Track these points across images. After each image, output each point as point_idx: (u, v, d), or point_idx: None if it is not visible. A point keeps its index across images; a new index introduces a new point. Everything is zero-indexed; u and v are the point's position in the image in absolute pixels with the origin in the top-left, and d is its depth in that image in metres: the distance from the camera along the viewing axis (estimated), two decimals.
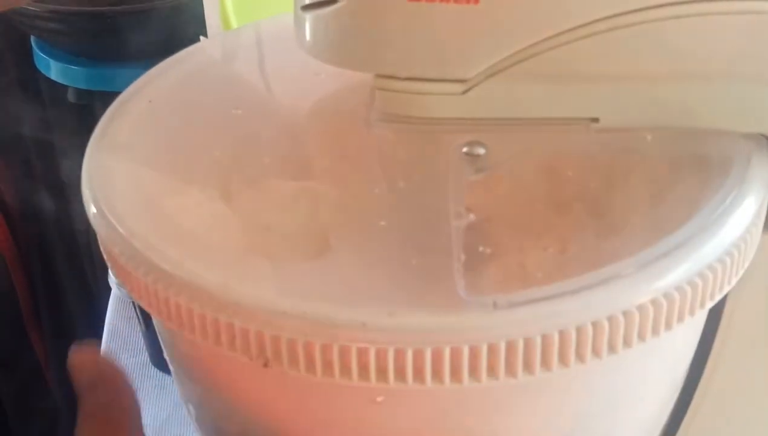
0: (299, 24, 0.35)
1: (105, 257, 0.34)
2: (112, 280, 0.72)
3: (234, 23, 0.67)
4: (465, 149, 0.33)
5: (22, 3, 0.50)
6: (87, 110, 1.07)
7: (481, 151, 0.33)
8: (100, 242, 0.34)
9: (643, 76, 0.32)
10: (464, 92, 0.33)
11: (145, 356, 0.73)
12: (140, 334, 0.73)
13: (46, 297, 1.34)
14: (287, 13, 0.37)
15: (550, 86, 0.33)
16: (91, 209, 0.34)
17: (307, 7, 0.34)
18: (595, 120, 0.33)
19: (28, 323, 1.32)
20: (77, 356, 0.36)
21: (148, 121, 0.38)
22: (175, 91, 0.40)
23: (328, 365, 0.27)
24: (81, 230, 1.23)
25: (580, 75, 0.32)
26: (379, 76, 0.34)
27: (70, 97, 1.08)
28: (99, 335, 0.77)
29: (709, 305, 0.30)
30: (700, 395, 0.37)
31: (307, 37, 0.35)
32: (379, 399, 0.29)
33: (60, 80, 1.07)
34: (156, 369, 0.72)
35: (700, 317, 0.34)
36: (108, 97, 0.39)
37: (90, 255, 1.25)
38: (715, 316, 0.35)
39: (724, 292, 0.30)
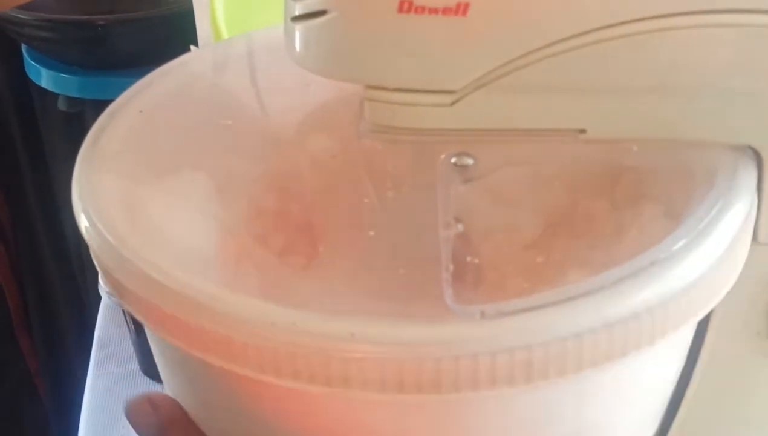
0: (289, 35, 0.35)
1: (96, 266, 0.34)
2: (102, 288, 0.72)
3: (225, 33, 0.68)
4: (453, 160, 0.33)
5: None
6: (77, 118, 1.07)
7: (470, 161, 0.33)
8: (91, 252, 0.34)
9: (629, 88, 0.33)
10: (452, 103, 0.33)
11: (134, 365, 0.73)
12: (130, 342, 0.73)
13: (37, 306, 1.33)
14: (278, 24, 0.37)
15: (537, 98, 0.33)
16: (82, 219, 0.34)
17: (297, 18, 0.34)
18: (582, 131, 0.33)
19: (18, 332, 1.32)
20: (134, 408, 0.35)
21: (139, 132, 0.38)
22: (166, 102, 0.40)
23: (312, 376, 0.28)
24: (71, 239, 1.23)
25: (567, 87, 0.33)
26: (368, 87, 0.34)
27: (61, 105, 1.08)
28: (89, 344, 0.77)
29: (701, 314, 0.30)
30: (686, 405, 0.37)
31: (297, 48, 0.35)
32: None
33: (50, 88, 1.07)
34: (146, 377, 0.72)
35: (689, 330, 0.34)
36: (99, 106, 0.39)
37: (81, 264, 1.25)
38: (702, 326, 0.36)
39: (713, 304, 0.30)
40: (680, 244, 0.29)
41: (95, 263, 0.34)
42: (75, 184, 0.35)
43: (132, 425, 0.36)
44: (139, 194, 0.35)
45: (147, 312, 0.31)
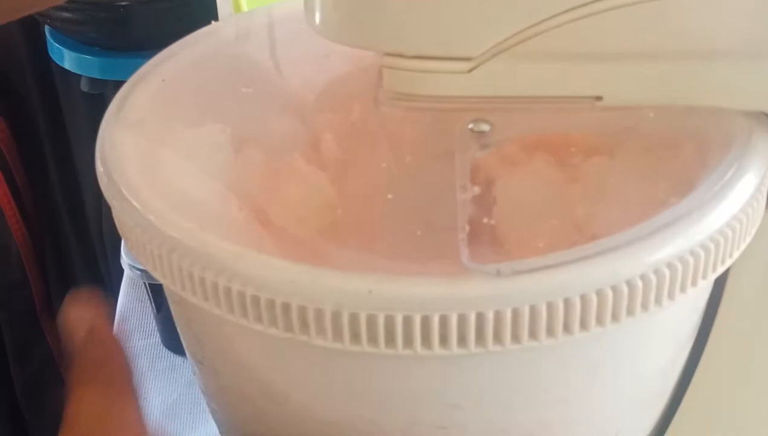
0: (309, 4, 0.36)
1: (118, 229, 0.35)
2: (124, 262, 0.73)
3: (245, 10, 0.68)
4: (471, 126, 0.34)
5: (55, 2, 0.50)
6: (100, 99, 1.08)
7: (486, 127, 0.34)
8: (113, 215, 0.35)
9: (645, 54, 0.33)
10: (470, 71, 0.33)
11: (156, 338, 0.74)
12: (152, 316, 0.74)
13: (59, 288, 1.35)
14: None
15: (554, 65, 0.33)
16: (105, 182, 0.34)
17: None
18: (599, 98, 0.34)
19: (40, 313, 1.33)
20: (71, 312, 0.37)
21: (162, 99, 0.39)
22: (188, 71, 0.41)
23: (338, 332, 0.28)
24: (93, 220, 1.24)
25: (583, 54, 0.33)
26: (387, 54, 0.34)
27: (83, 86, 1.09)
28: (110, 319, 0.78)
29: (712, 276, 0.30)
30: (700, 373, 0.37)
31: (317, 17, 0.35)
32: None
33: (73, 69, 1.08)
34: (167, 350, 0.73)
35: (702, 292, 0.34)
36: (121, 87, 0.40)
37: (102, 245, 1.26)
38: (716, 297, 0.36)
39: (727, 264, 0.31)
40: (694, 207, 0.30)
41: (116, 225, 0.34)
42: (98, 148, 0.36)
43: (63, 322, 0.37)
44: (160, 159, 0.36)
45: (168, 272, 0.31)
